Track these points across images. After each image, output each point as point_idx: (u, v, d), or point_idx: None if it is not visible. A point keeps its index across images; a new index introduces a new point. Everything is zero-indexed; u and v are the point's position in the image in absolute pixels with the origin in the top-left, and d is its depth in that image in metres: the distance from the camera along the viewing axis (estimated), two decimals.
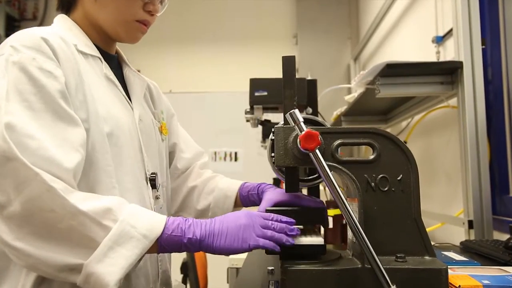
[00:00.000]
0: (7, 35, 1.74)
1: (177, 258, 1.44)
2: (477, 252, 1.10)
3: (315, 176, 0.93)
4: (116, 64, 1.02)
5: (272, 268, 0.92)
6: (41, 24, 3.85)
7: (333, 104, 2.70)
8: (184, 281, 1.99)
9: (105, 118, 0.85)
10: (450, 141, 1.72)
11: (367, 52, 3.10)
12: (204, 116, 3.78)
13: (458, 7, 1.39)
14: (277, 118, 1.70)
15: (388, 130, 2.14)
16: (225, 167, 3.70)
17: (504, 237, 1.18)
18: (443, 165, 1.81)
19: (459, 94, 1.41)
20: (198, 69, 3.87)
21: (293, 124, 0.74)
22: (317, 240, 0.77)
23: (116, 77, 0.96)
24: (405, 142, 1.83)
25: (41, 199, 0.68)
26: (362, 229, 0.69)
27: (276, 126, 0.79)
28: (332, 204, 1.53)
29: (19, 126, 0.70)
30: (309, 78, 1.72)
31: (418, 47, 2.10)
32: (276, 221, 0.76)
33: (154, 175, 0.96)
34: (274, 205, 0.89)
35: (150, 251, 0.72)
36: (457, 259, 0.99)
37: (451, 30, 1.63)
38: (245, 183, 1.09)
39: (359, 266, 0.72)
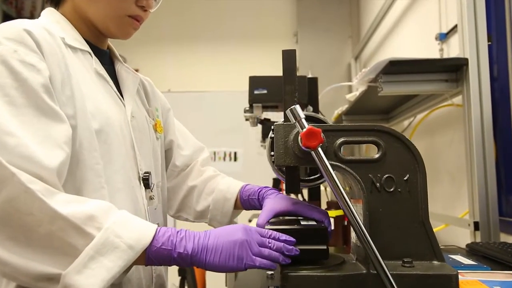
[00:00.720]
0: None
1: None
2: (485, 255, 1.06)
3: (316, 176, 0.89)
4: (108, 59, 0.98)
5: (272, 272, 0.88)
6: None
7: (333, 103, 2.67)
8: (181, 284, 1.96)
9: (93, 114, 0.81)
10: (454, 140, 1.69)
11: (368, 51, 3.07)
12: (203, 115, 3.75)
13: (463, 2, 1.36)
14: (277, 117, 1.67)
15: None
16: (224, 167, 3.66)
17: None
18: (446, 165, 1.77)
19: (464, 92, 1.38)
20: (197, 68, 3.83)
21: (294, 121, 0.70)
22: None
23: (108, 73, 0.91)
24: None
25: (18, 201, 0.63)
26: (367, 232, 0.65)
27: (276, 123, 0.75)
28: (334, 205, 1.49)
29: None
30: (309, 76, 1.69)
31: (421, 45, 2.06)
32: (274, 238, 0.71)
33: (148, 175, 0.92)
34: (275, 215, 0.86)
35: (136, 262, 0.67)
36: (465, 263, 0.94)
37: (455, 26, 1.60)
38: (247, 185, 1.05)
39: (364, 271, 0.68)
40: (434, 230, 0.71)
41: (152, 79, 1.14)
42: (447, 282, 0.64)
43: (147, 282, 0.87)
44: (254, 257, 0.69)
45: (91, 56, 0.89)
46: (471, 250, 1.14)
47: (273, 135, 0.75)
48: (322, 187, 1.80)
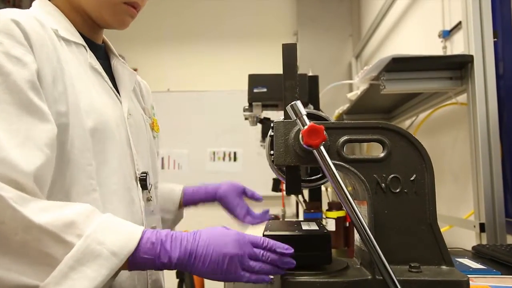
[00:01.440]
0: None
1: None
2: (492, 258, 1.03)
3: (318, 176, 0.85)
4: (103, 54, 0.93)
5: (272, 277, 0.84)
6: None
7: (334, 102, 2.64)
8: (180, 287, 1.92)
9: (87, 111, 0.76)
10: (458, 140, 1.65)
11: (369, 49, 3.03)
12: (202, 115, 3.71)
13: None
14: (277, 116, 1.63)
15: None
16: (224, 167, 3.61)
17: None
18: (450, 165, 1.73)
19: (469, 90, 1.35)
20: (196, 67, 3.80)
21: (295, 118, 0.66)
22: None
23: (103, 69, 0.87)
24: None
25: None
26: (372, 235, 0.61)
27: (275, 120, 0.71)
28: (335, 205, 1.46)
29: None
30: (310, 74, 1.66)
31: (423, 43, 2.03)
32: (270, 250, 0.67)
33: (145, 175, 0.87)
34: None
35: (121, 268, 0.63)
36: (474, 267, 0.91)
37: (459, 23, 1.56)
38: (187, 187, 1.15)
39: (370, 277, 0.64)
40: None
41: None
42: None
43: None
44: (242, 273, 0.65)
45: (86, 50, 0.84)
46: (478, 253, 1.10)
47: (272, 133, 0.71)
48: (323, 188, 1.77)
